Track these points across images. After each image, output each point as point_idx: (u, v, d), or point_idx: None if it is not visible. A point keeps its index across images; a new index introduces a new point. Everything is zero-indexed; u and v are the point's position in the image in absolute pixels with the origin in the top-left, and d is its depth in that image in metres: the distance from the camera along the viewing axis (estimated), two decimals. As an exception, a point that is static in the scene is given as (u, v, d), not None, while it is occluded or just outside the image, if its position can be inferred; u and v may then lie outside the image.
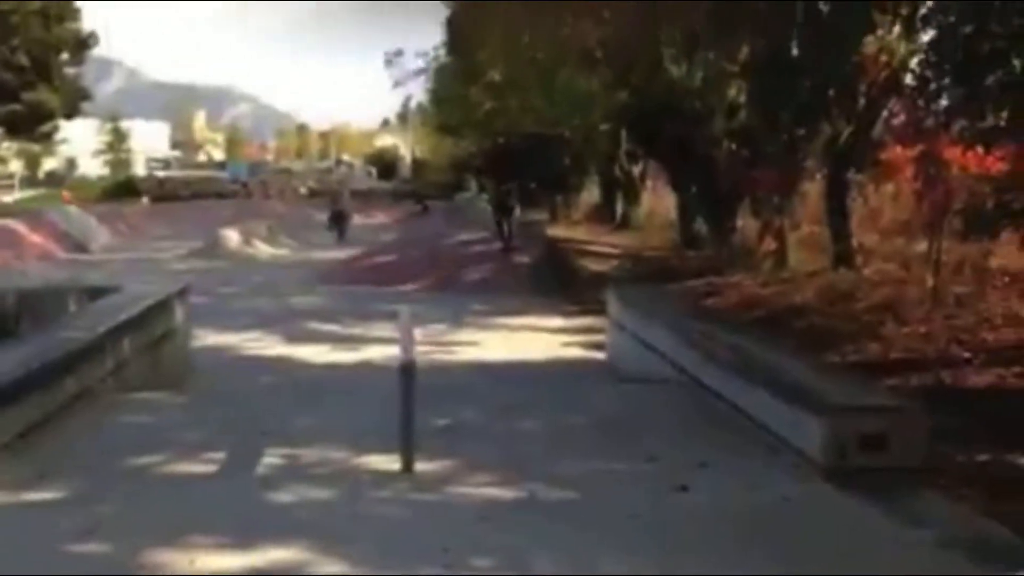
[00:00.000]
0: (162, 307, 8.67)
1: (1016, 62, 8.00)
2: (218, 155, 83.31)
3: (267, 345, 11.17)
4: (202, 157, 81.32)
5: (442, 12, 26.71)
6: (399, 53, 27.42)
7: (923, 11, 10.93)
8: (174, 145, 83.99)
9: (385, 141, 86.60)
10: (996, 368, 7.81)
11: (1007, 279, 10.36)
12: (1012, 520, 4.56)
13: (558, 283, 16.99)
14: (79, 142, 57.80)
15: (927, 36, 10.74)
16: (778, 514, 4.74)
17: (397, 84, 27.94)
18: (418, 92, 33.35)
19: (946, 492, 5.07)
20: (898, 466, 5.06)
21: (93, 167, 64.06)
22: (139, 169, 62.51)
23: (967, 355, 8.28)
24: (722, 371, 6.64)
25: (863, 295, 11.20)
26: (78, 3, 41.14)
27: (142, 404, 6.94)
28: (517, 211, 22.05)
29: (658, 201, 27.62)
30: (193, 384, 8.20)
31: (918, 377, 7.83)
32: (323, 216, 33.97)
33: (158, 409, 6.89)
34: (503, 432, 6.30)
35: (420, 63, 28.19)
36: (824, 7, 12.26)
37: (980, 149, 9.11)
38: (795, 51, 13.09)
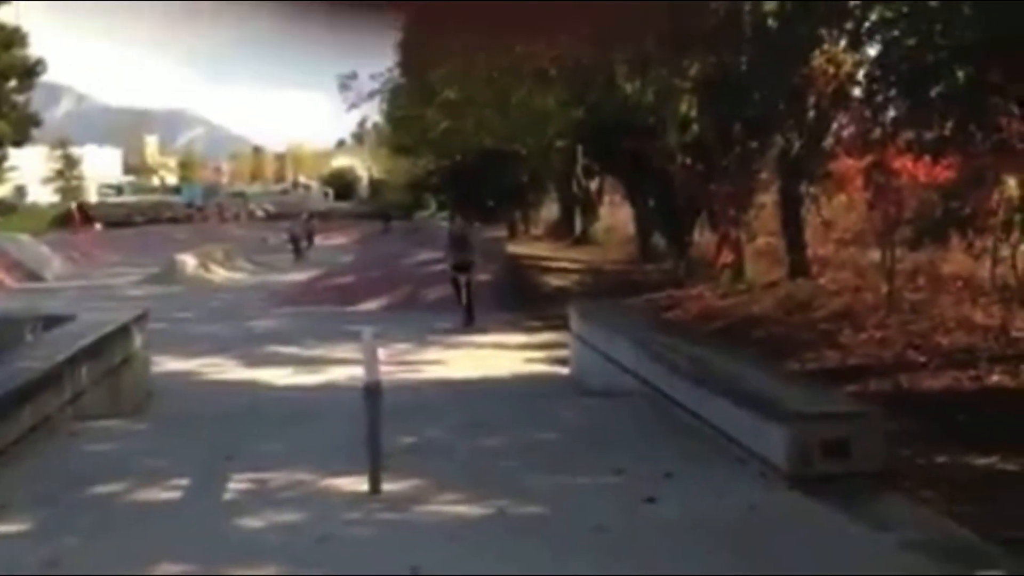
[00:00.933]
0: (120, 334, 8.55)
1: (960, 73, 8.23)
2: (172, 179, 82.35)
3: (228, 369, 11.04)
4: (156, 182, 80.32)
5: (395, 34, 26.76)
6: (353, 76, 27.34)
7: (868, 25, 11.20)
8: (127, 170, 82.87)
9: (341, 162, 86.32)
10: (951, 371, 7.99)
11: (959, 284, 10.61)
12: (972, 520, 4.67)
13: (519, 300, 17.03)
14: (29, 169, 56.78)
15: (873, 49, 11.01)
16: (745, 522, 4.79)
17: (352, 106, 27.79)
18: (373, 113, 33.29)
19: (908, 495, 5.17)
20: (860, 471, 5.15)
21: (43, 194, 62.96)
22: (92, 196, 61.56)
23: (923, 360, 8.46)
24: (685, 382, 6.71)
25: (820, 304, 11.39)
26: (25, 29, 40.56)
27: (103, 432, 6.83)
28: (477, 260, 15.27)
29: (616, 216, 27.86)
30: (154, 411, 8.09)
31: (876, 382, 7.98)
32: (279, 240, 33.76)
33: (119, 437, 6.79)
34: (470, 449, 6.29)
35: (374, 84, 28.14)
36: (772, 24, 12.50)
37: (928, 159, 9.33)
38: (744, 66, 13.32)
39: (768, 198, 15.90)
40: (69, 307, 12.22)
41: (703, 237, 17.85)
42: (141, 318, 9.38)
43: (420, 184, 45.80)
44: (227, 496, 5.39)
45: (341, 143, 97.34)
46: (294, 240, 31.12)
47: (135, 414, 7.69)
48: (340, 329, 12.90)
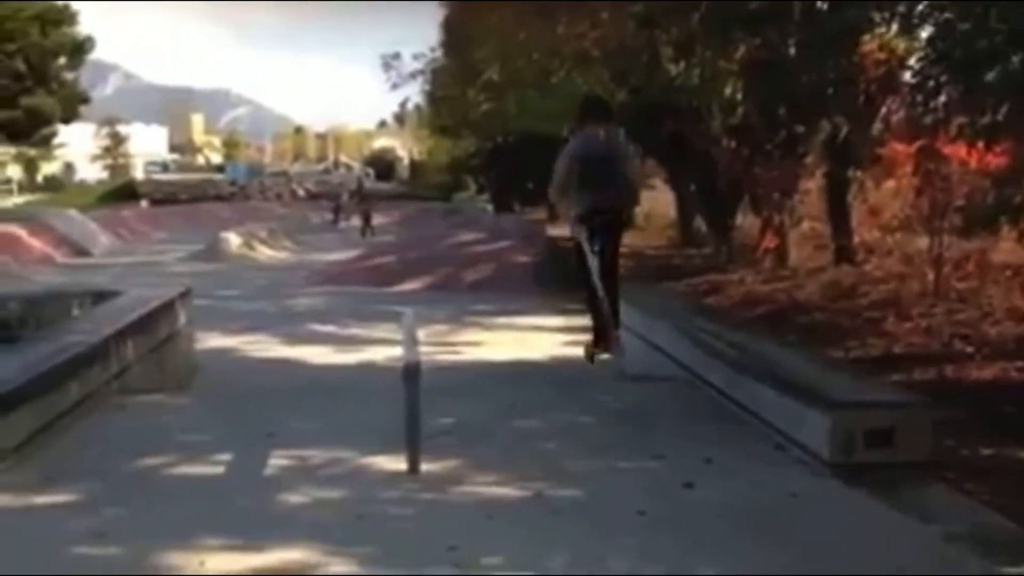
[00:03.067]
0: (165, 310, 8.67)
1: (1015, 58, 8.01)
2: (216, 158, 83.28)
3: (270, 347, 11.17)
4: (200, 160, 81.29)
5: (439, 13, 26.76)
6: (396, 56, 27.40)
7: (921, 8, 10.93)
8: (172, 148, 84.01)
9: (383, 142, 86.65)
10: (999, 362, 7.84)
11: (1009, 273, 10.38)
12: (1017, 514, 4.58)
13: (559, 282, 16.99)
14: (77, 146, 57.82)
15: (925, 33, 10.75)
16: (785, 510, 4.75)
17: (395, 86, 27.90)
18: (415, 93, 33.31)
19: (952, 486, 5.09)
20: (904, 461, 5.08)
21: (92, 171, 64.04)
22: (138, 173, 62.50)
23: (970, 350, 8.31)
24: (727, 368, 6.66)
25: (865, 291, 11.22)
26: (75, 7, 41.16)
27: (147, 407, 6.95)
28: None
29: (658, 200, 27.63)
30: (198, 387, 8.21)
31: (921, 372, 7.85)
32: (321, 219, 34.00)
33: (163, 412, 6.90)
34: (508, 431, 6.31)
35: (417, 64, 28.18)
36: (822, 6, 12.26)
37: (979, 145, 9.13)
38: (792, 49, 13.09)
39: (813, 183, 15.67)
40: (116, 283, 12.44)
41: (746, 221, 17.65)
42: (186, 295, 9.51)
43: (460, 165, 45.85)
44: (268, 472, 5.47)
45: (383, 124, 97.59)
46: (365, 218, 31.04)
47: (179, 389, 7.81)
48: (380, 309, 12.99)
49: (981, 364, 7.88)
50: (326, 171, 69.42)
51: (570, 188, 6.36)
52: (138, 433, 6.22)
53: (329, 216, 36.51)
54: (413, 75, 28.33)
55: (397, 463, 5.31)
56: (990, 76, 7.89)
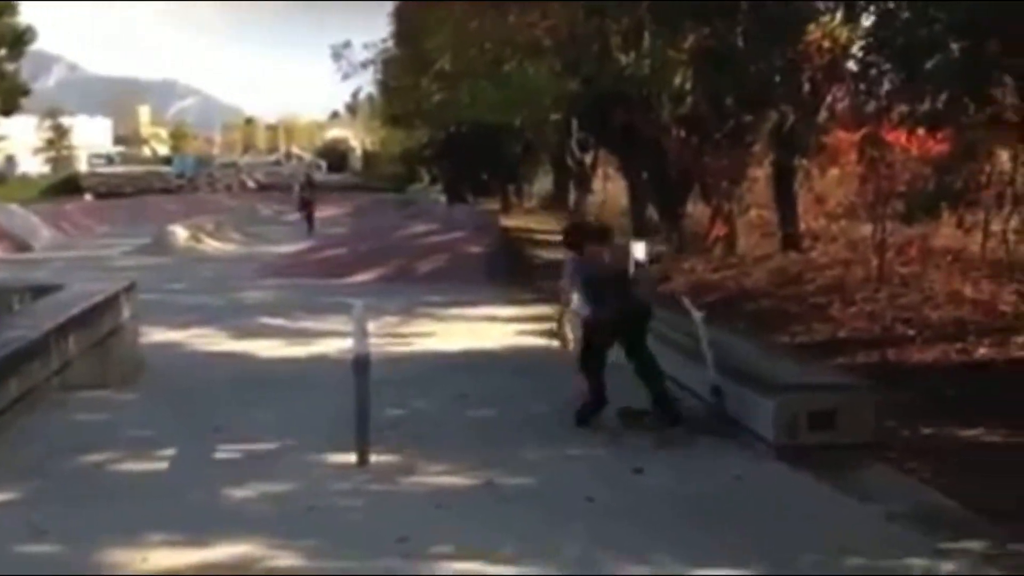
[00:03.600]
0: (108, 304, 8.50)
1: (954, 47, 8.17)
2: (164, 150, 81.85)
3: (218, 341, 11.00)
4: (147, 152, 79.84)
5: (389, 2, 26.57)
6: (347, 44, 27.12)
7: (864, -3, 11.10)
8: (117, 140, 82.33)
9: (335, 133, 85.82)
10: (939, 345, 8.01)
11: (949, 258, 10.61)
12: (957, 491, 4.70)
13: (511, 272, 17.00)
14: (19, 139, 56.37)
15: (868, 22, 10.91)
16: (732, 493, 4.82)
17: (346, 76, 27.62)
18: (367, 83, 33.01)
19: (894, 466, 5.20)
20: (847, 442, 5.18)
21: (34, 165, 62.56)
22: (82, 166, 61.18)
23: (912, 333, 8.48)
24: (675, 355, 6.71)
25: (811, 277, 11.38)
26: (14, -2, 40.11)
27: (91, 402, 6.82)
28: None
29: (610, 189, 27.76)
30: (143, 381, 8.06)
31: (865, 355, 7.99)
32: (270, 211, 33.57)
33: (107, 407, 6.78)
34: (460, 421, 6.31)
35: (368, 54, 27.94)
36: (768, -4, 12.38)
37: (921, 132, 9.29)
38: (740, 40, 13.21)
39: (761, 171, 15.85)
40: (57, 277, 12.15)
41: (696, 210, 17.80)
42: (130, 288, 9.33)
43: (413, 156, 45.55)
44: (214, 466, 5.40)
45: (335, 115, 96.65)
46: (308, 213, 28.59)
47: (124, 385, 7.67)
48: (331, 301, 12.86)
49: (922, 347, 8.05)
50: (277, 162, 68.55)
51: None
52: (80, 429, 6.10)
53: (279, 207, 36.03)
54: (364, 65, 28.09)
55: (347, 455, 5.28)
56: (930, 64, 8.04)
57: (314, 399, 6.86)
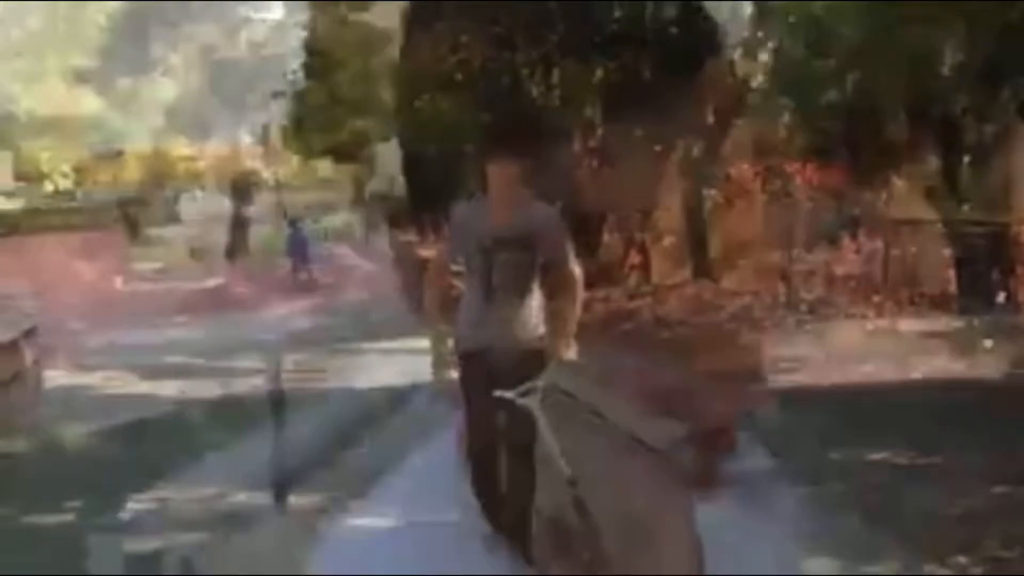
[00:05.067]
0: (6, 350, 8.19)
1: (848, 79, 8.57)
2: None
3: (127, 383, 10.67)
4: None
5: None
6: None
7: (760, 34, 11.54)
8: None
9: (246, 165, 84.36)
10: (848, 366, 8.32)
11: (852, 284, 11.02)
12: (865, 513, 4.85)
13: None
14: None
15: (765, 57, 11.35)
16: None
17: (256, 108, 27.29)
18: (279, 116, 32.60)
19: (802, 488, 5.35)
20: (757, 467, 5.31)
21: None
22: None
23: (820, 356, 8.78)
24: (592, 384, 6.77)
25: (721, 305, 11.66)
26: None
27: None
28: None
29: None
30: (47, 428, 7.76)
31: (775, 380, 8.22)
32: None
33: (7, 457, 6.51)
34: (380, 457, 6.24)
35: (277, 86, 27.70)
36: (673, 31, 12.74)
37: (819, 164, 9.69)
38: (647, 72, 13.53)
39: (673, 201, 16.16)
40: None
41: (610, 239, 18.05)
42: (31, 332, 9.00)
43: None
44: (125, 516, 5.23)
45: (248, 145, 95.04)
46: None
47: (26, 433, 7.37)
48: (247, 337, 12.60)
49: (831, 370, 8.33)
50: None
51: None
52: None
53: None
54: (275, 96, 27.82)
55: (263, 498, 5.18)
56: (824, 99, 8.41)
57: (229, 441, 6.67)
